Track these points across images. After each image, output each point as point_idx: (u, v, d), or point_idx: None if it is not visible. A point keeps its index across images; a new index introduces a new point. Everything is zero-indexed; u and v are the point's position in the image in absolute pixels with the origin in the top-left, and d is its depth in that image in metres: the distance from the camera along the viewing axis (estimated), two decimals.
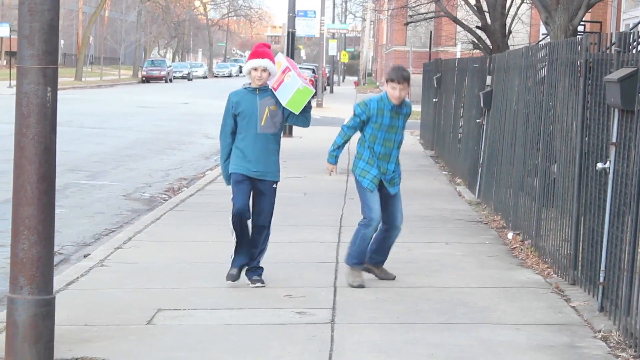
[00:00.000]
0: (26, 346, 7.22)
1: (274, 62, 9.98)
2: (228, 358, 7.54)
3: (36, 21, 7.12)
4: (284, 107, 9.97)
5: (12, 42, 69.82)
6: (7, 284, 7.51)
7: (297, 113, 9.93)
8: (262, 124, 9.90)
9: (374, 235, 10.28)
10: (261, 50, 10.00)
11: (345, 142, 10.45)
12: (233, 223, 9.96)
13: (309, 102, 10.01)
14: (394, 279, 10.47)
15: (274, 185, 10.16)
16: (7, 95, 44.86)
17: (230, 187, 10.08)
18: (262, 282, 10.10)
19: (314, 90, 9.65)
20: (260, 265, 10.24)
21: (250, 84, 10.04)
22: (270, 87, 9.98)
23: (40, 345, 7.21)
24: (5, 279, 8.90)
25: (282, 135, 10.41)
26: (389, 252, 10.52)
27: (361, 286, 10.06)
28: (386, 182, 10.23)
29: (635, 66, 8.65)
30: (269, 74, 9.92)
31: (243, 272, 10.11)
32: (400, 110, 10.22)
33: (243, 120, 9.93)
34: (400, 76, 10.06)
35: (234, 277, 10.02)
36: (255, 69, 9.89)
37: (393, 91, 10.05)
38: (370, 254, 10.40)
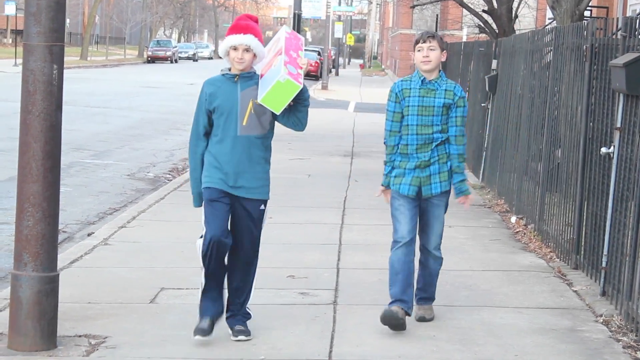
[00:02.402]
0: (30, 323, 7.25)
1: (261, 40, 7.65)
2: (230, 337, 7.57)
3: None
4: None
5: (18, 21, 69.80)
6: (12, 261, 7.55)
7: (277, 113, 7.49)
8: (244, 123, 7.50)
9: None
10: (244, 24, 7.60)
11: (393, 153, 8.12)
12: (203, 257, 7.44)
13: (303, 99, 7.57)
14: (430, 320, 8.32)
15: (262, 207, 7.68)
16: (12, 74, 44.93)
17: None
18: (248, 333, 7.64)
19: (301, 85, 7.38)
20: (248, 310, 7.80)
21: (229, 69, 7.65)
22: (257, 73, 7.71)
23: (44, 322, 7.24)
24: (10, 256, 8.93)
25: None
26: (431, 287, 8.33)
27: (398, 327, 7.82)
28: (426, 179, 8.00)
29: None
30: (254, 55, 7.56)
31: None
32: (434, 86, 8.01)
33: (220, 118, 7.54)
34: (426, 33, 8.15)
35: (204, 332, 7.46)
36: (235, 49, 7.49)
37: (420, 53, 7.99)
38: (416, 290, 8.26)
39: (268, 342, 7.63)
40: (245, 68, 7.55)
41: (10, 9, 65.52)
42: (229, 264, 7.62)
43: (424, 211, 8.08)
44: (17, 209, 7.29)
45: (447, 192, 8.08)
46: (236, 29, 7.55)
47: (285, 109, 7.44)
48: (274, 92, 7.33)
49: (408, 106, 7.99)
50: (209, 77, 7.84)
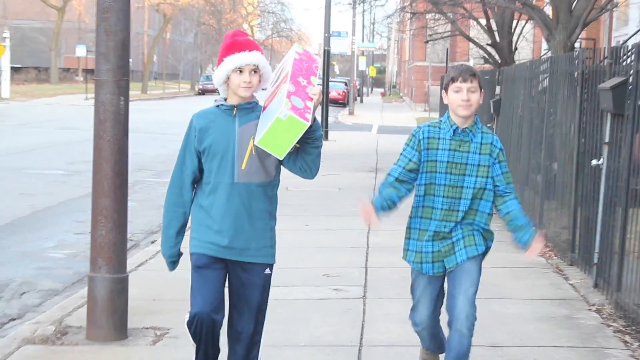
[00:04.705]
0: (104, 317, 7.32)
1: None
2: (277, 327, 7.57)
3: (111, 40, 7.20)
4: None
5: (88, 61, 70.26)
6: (88, 265, 7.61)
7: (279, 158, 5.14)
8: (243, 167, 5.17)
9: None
10: (244, 40, 5.25)
11: (389, 197, 5.61)
12: (192, 333, 5.33)
13: (313, 139, 5.15)
14: None
15: (267, 271, 5.37)
16: (83, 107, 45.22)
17: (174, 272, 5.61)
18: None
19: (308, 123, 4.97)
20: None
21: (225, 99, 5.30)
22: (258, 103, 5.37)
23: (117, 316, 7.31)
24: (86, 261, 8.99)
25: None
26: None
27: None
28: (449, 249, 5.61)
29: (625, 76, 8.65)
30: (260, 77, 5.26)
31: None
32: (469, 136, 5.55)
33: (212, 161, 5.20)
34: (466, 70, 5.53)
35: None
36: (240, 71, 5.16)
37: (457, 95, 5.45)
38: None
39: (307, 331, 7.65)
40: (250, 96, 5.28)
41: (81, 51, 66.02)
42: (227, 338, 5.48)
43: (448, 277, 5.70)
44: (92, 221, 7.36)
45: (479, 255, 5.66)
46: (237, 46, 5.19)
47: (291, 151, 5.11)
48: (273, 132, 4.97)
49: (435, 161, 5.54)
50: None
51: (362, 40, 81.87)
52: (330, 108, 34.62)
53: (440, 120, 5.62)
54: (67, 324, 7.75)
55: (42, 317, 8.10)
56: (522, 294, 9.15)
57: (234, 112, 5.23)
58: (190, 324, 5.28)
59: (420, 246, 5.63)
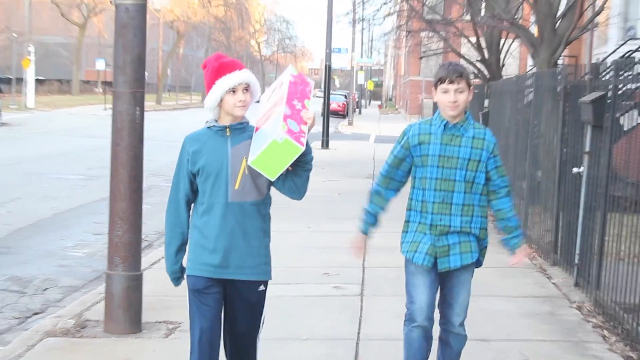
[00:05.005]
0: (120, 312, 7.32)
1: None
2: (281, 322, 7.58)
3: (128, 55, 7.22)
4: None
5: (107, 74, 70.33)
6: (105, 264, 7.62)
7: (271, 179, 4.83)
8: (236, 186, 4.84)
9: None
10: (229, 61, 4.91)
11: (380, 195, 5.54)
12: (194, 354, 4.98)
13: (304, 162, 4.83)
14: None
15: (261, 287, 5.02)
16: (102, 117, 45.20)
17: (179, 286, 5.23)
18: None
19: (303, 147, 4.67)
20: None
21: (216, 120, 4.96)
22: (249, 123, 4.99)
23: (132, 311, 7.32)
24: (103, 260, 9.00)
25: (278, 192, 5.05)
26: None
27: None
28: (444, 250, 5.32)
29: (604, 90, 8.65)
30: (251, 95, 4.91)
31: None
32: (460, 131, 5.29)
33: (206, 182, 4.88)
34: (453, 71, 5.23)
35: None
36: (233, 91, 4.82)
37: (445, 96, 5.20)
38: None
39: (309, 326, 7.66)
40: (243, 115, 4.93)
41: (100, 65, 66.12)
42: (228, 350, 5.12)
43: (444, 281, 5.45)
44: (109, 222, 7.38)
45: (473, 264, 5.46)
46: (227, 67, 4.85)
47: (283, 173, 4.82)
48: (268, 154, 4.65)
49: (427, 155, 5.28)
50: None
51: (361, 56, 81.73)
52: (330, 119, 34.52)
53: (432, 118, 5.38)
54: (86, 318, 7.76)
55: (63, 311, 8.12)
56: (508, 292, 9.14)
57: (227, 133, 4.89)
58: (195, 346, 4.97)
59: (417, 237, 5.34)
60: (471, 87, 5.29)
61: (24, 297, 9.21)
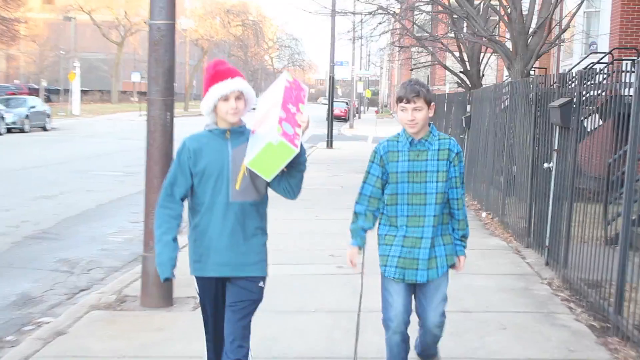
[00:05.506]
0: (154, 288, 7.33)
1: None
2: (292, 297, 7.61)
3: (160, 67, 7.22)
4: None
5: (141, 85, 70.39)
6: (141, 247, 7.64)
7: (267, 179, 4.36)
8: (238, 187, 4.39)
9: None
10: (225, 69, 4.47)
11: (364, 222, 4.92)
12: (207, 333, 4.67)
13: (298, 163, 4.40)
14: None
15: (260, 284, 4.53)
16: (137, 121, 45.25)
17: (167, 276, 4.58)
18: None
19: (297, 150, 4.26)
20: None
21: (216, 123, 4.49)
22: (246, 126, 4.55)
23: (164, 288, 7.32)
24: (140, 244, 9.01)
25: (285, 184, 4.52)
26: (431, 349, 5.18)
27: None
28: (413, 263, 4.80)
29: (570, 97, 8.65)
30: (245, 102, 4.48)
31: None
32: (425, 146, 4.75)
33: (207, 182, 4.41)
34: (411, 90, 4.70)
35: None
36: (226, 99, 4.40)
37: (404, 114, 4.71)
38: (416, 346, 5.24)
39: (316, 300, 7.66)
40: (238, 120, 4.47)
41: (135, 77, 66.14)
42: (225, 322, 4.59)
43: (417, 288, 4.92)
44: (144, 212, 7.37)
45: (444, 274, 4.89)
46: (220, 75, 4.43)
47: (278, 174, 4.37)
48: (264, 155, 4.22)
49: (396, 172, 4.77)
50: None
51: (360, 69, 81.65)
52: (334, 123, 34.55)
53: (398, 134, 4.85)
54: (125, 294, 7.77)
55: (106, 288, 8.14)
56: (488, 270, 9.13)
57: (227, 135, 4.43)
58: (210, 346, 4.63)
59: (388, 250, 4.83)
60: (432, 104, 4.74)
61: (72, 276, 9.24)
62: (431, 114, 4.73)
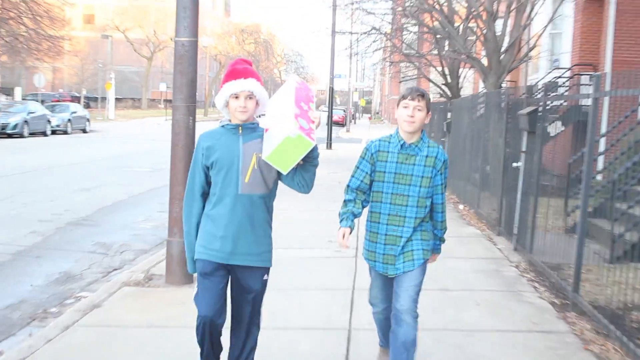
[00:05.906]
0: (178, 268, 7.33)
1: (262, 84, 4.17)
2: (295, 278, 7.60)
3: (184, 78, 7.21)
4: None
5: (167, 94, 70.33)
6: (166, 233, 7.62)
7: (284, 172, 4.01)
8: (247, 180, 4.07)
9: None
10: (242, 68, 4.13)
11: (354, 208, 4.47)
12: (198, 334, 4.16)
13: (312, 157, 4.05)
14: None
15: (265, 277, 4.21)
16: (163, 125, 45.18)
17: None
18: None
19: (314, 143, 3.91)
20: None
21: (229, 120, 4.18)
22: (259, 124, 4.20)
23: (186, 268, 7.26)
24: (165, 230, 9.02)
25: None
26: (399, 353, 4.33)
27: None
28: (391, 259, 4.42)
29: (536, 106, 8.64)
30: (257, 102, 4.15)
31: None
32: (415, 150, 4.36)
33: (218, 174, 4.09)
34: (416, 90, 4.37)
35: None
36: (237, 97, 4.08)
37: (404, 111, 4.32)
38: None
39: (317, 279, 7.65)
40: (249, 118, 4.14)
41: (162, 87, 66.17)
42: (231, 331, 4.32)
43: (394, 281, 4.48)
44: (169, 202, 7.37)
45: (420, 266, 4.42)
46: (235, 74, 4.10)
47: (294, 167, 4.02)
48: (282, 149, 3.86)
49: (383, 172, 4.38)
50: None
51: (356, 80, 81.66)
52: (333, 127, 34.52)
53: (391, 136, 4.44)
54: (152, 273, 7.77)
55: (135, 268, 8.13)
56: (464, 254, 9.13)
57: (240, 131, 4.11)
58: (197, 327, 4.13)
59: (373, 247, 4.48)
60: (429, 112, 4.38)
61: (106, 257, 9.24)
62: (427, 121, 4.41)
